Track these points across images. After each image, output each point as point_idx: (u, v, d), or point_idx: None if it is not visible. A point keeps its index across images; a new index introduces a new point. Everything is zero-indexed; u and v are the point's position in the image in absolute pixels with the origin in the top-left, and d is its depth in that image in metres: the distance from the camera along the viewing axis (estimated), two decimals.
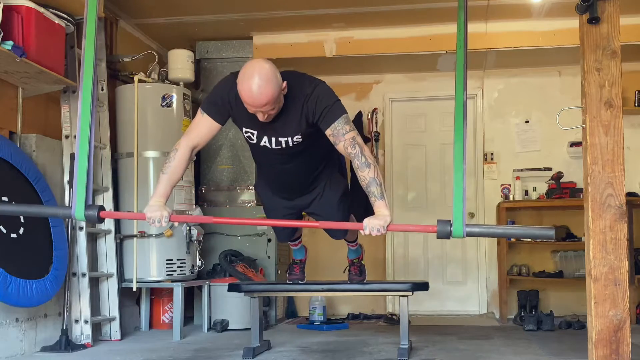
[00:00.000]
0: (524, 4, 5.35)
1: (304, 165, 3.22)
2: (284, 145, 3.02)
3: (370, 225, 2.62)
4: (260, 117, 2.80)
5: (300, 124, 2.93)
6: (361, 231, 2.67)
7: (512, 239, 6.17)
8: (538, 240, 6.22)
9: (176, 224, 2.85)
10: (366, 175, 2.76)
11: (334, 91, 2.96)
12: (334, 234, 3.66)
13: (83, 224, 4.49)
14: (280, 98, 2.78)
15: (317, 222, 3.09)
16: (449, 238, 2.49)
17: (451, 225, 2.46)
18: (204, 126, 2.93)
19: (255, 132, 3.02)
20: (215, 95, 2.96)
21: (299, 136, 2.99)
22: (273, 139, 3.01)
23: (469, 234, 2.48)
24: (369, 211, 2.76)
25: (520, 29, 5.73)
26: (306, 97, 2.87)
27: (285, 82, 2.78)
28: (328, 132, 2.87)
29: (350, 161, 2.84)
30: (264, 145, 3.05)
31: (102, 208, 2.63)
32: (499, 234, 2.79)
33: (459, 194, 2.45)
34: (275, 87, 2.70)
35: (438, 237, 2.50)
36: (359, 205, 2.96)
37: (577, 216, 5.55)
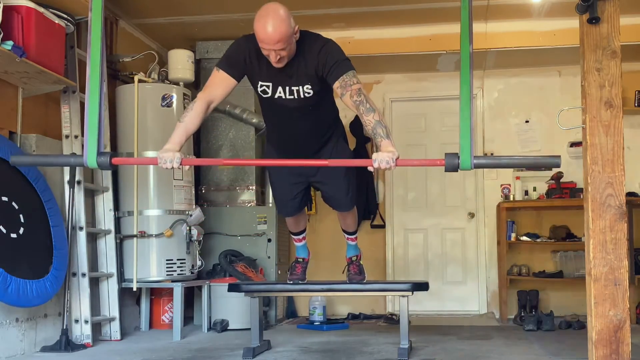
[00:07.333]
0: (524, 4, 5.35)
1: (314, 123, 3.37)
2: (296, 96, 3.16)
3: (379, 159, 2.67)
4: (273, 58, 2.91)
5: (311, 74, 3.07)
6: (369, 167, 2.71)
7: (512, 238, 6.19)
8: (538, 240, 6.24)
9: (187, 167, 2.89)
10: (371, 119, 2.87)
11: None
12: (339, 202, 3.74)
13: (83, 224, 4.49)
14: (292, 40, 2.91)
15: (326, 160, 3.20)
16: (457, 170, 2.50)
17: (459, 158, 2.48)
18: (219, 82, 3.04)
19: (270, 84, 3.14)
20: (229, 52, 3.10)
21: (309, 86, 3.12)
22: (287, 88, 3.14)
23: (477, 166, 2.50)
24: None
25: (520, 29, 5.74)
26: (318, 50, 3.01)
27: (297, 27, 2.92)
28: (336, 84, 2.96)
29: (357, 109, 2.92)
30: (278, 96, 3.17)
31: (114, 155, 2.65)
32: (505, 164, 2.80)
33: (465, 128, 2.46)
34: (288, 27, 2.84)
35: (446, 170, 2.53)
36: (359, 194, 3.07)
37: (577, 216, 5.54)
